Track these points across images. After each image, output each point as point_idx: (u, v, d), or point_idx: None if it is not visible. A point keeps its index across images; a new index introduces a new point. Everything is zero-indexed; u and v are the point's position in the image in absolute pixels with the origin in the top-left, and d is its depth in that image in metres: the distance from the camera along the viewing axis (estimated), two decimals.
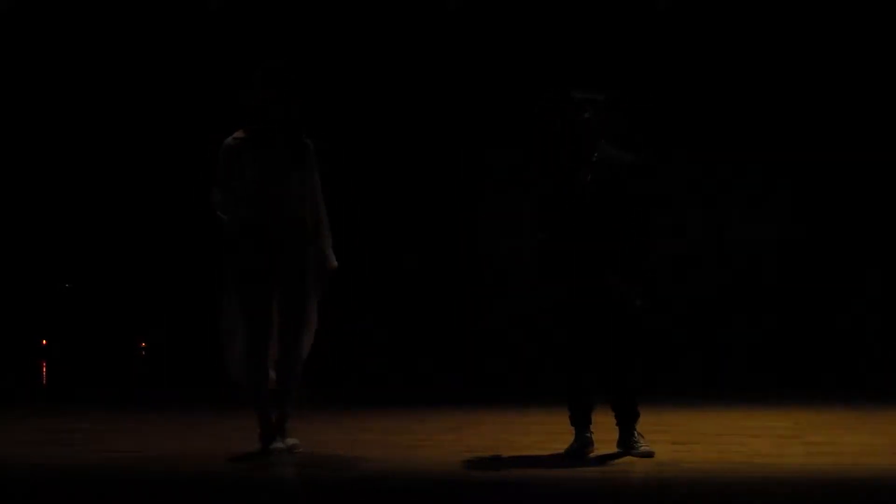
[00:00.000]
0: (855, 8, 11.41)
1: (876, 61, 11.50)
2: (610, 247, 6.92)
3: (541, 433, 7.92)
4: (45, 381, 12.04)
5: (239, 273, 7.03)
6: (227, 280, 7.11)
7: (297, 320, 7.06)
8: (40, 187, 12.02)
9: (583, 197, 6.95)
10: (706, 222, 11.89)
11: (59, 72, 11.81)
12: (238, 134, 7.05)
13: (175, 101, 11.75)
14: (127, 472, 6.59)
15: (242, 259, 7.01)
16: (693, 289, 11.71)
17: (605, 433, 7.15)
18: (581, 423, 7.10)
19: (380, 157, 11.68)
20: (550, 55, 11.43)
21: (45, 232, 12.11)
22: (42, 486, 6.22)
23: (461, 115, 11.75)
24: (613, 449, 7.06)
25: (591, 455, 7.01)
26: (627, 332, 6.99)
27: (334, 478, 6.61)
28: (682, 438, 7.70)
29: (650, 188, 7.28)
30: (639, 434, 7.08)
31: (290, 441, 7.15)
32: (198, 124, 11.68)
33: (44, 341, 12.61)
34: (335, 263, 7.16)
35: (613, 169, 6.99)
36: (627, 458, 6.91)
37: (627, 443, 7.06)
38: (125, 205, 11.97)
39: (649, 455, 6.96)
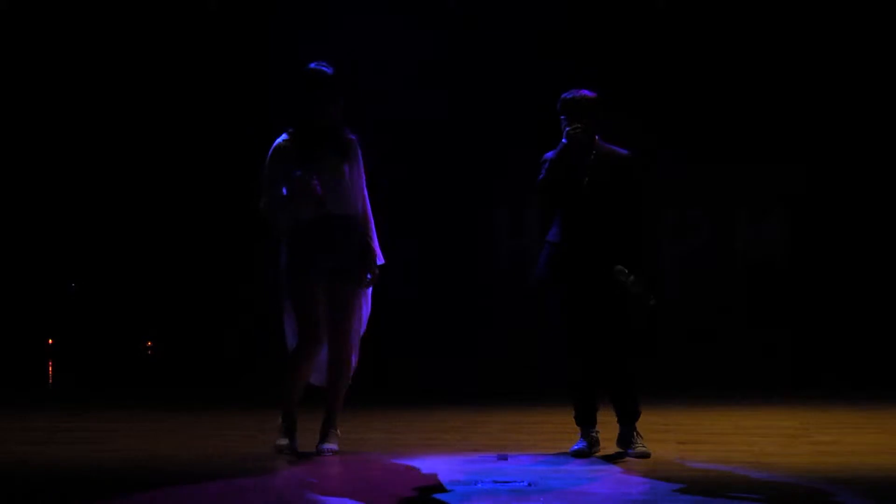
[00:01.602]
0: (856, 7, 11.38)
1: (879, 58, 11.46)
2: (618, 243, 6.93)
3: (546, 432, 7.91)
4: (50, 381, 12.03)
5: (295, 272, 7.04)
6: (282, 280, 7.13)
7: (347, 318, 7.09)
8: (45, 187, 12.01)
9: (582, 193, 6.95)
10: (707, 222, 11.87)
11: (59, 72, 11.79)
12: (286, 135, 7.10)
13: (175, 102, 11.74)
14: (128, 472, 6.57)
15: (296, 258, 7.03)
16: (697, 287, 11.68)
17: (609, 432, 7.12)
18: (586, 423, 7.09)
19: (389, 157, 11.64)
20: (551, 55, 11.40)
21: (50, 231, 12.10)
22: (42, 486, 6.20)
23: (463, 114, 11.72)
24: (616, 448, 7.04)
25: (597, 455, 6.99)
26: (632, 329, 6.99)
27: (338, 477, 6.58)
28: (688, 438, 7.68)
29: (649, 183, 7.30)
30: (637, 434, 7.06)
31: (327, 446, 7.10)
32: (198, 124, 11.68)
33: (49, 340, 12.61)
34: (382, 259, 7.20)
35: (611, 165, 7.00)
36: (632, 457, 6.88)
37: (626, 441, 7.05)
38: (129, 204, 11.96)
39: (646, 455, 6.95)
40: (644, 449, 6.99)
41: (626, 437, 7.07)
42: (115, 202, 11.99)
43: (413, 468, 6.57)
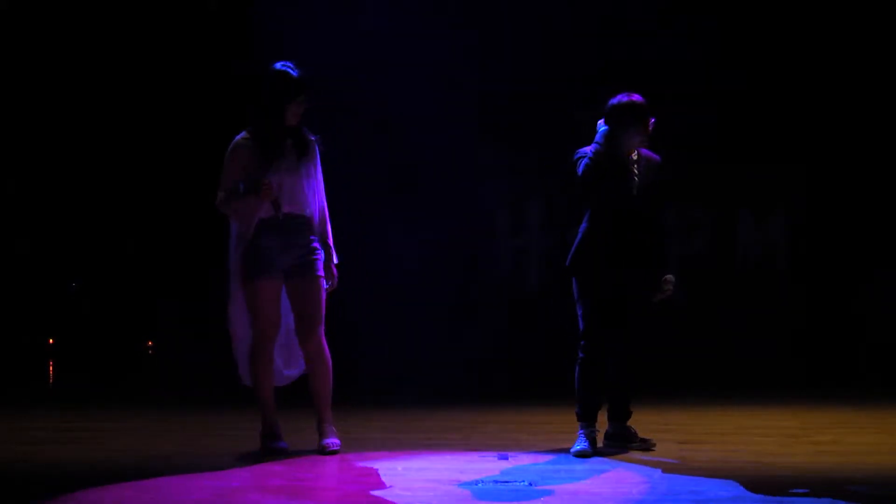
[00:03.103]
0: (855, 8, 11.40)
1: (879, 59, 11.47)
2: (653, 245, 7.01)
3: (546, 432, 7.91)
4: (51, 381, 12.04)
5: (251, 270, 7.02)
6: (234, 279, 7.11)
7: (316, 311, 7.08)
8: (46, 187, 12.03)
9: (632, 193, 7.00)
10: (708, 222, 11.88)
11: (59, 72, 11.81)
12: (246, 134, 7.11)
13: (176, 102, 11.75)
14: (127, 471, 6.56)
15: (255, 257, 7.02)
16: (698, 287, 11.70)
17: None
18: (590, 419, 7.10)
19: (391, 154, 11.65)
20: (550, 56, 11.42)
21: (51, 231, 12.11)
22: (43, 487, 6.20)
23: (468, 112, 11.74)
24: (614, 448, 7.06)
25: (597, 454, 6.99)
26: (645, 327, 7.05)
27: (339, 476, 6.58)
28: (688, 438, 7.68)
29: (670, 187, 7.38)
30: (633, 428, 7.12)
31: (329, 440, 7.11)
32: (199, 125, 11.69)
33: (50, 340, 12.62)
34: (335, 259, 7.20)
35: (649, 169, 7.07)
36: (633, 457, 6.89)
37: (623, 437, 7.10)
38: (130, 204, 11.98)
39: (652, 446, 7.03)
40: (649, 440, 7.08)
41: (622, 434, 7.12)
42: (115, 202, 12.00)
43: (413, 468, 6.57)
